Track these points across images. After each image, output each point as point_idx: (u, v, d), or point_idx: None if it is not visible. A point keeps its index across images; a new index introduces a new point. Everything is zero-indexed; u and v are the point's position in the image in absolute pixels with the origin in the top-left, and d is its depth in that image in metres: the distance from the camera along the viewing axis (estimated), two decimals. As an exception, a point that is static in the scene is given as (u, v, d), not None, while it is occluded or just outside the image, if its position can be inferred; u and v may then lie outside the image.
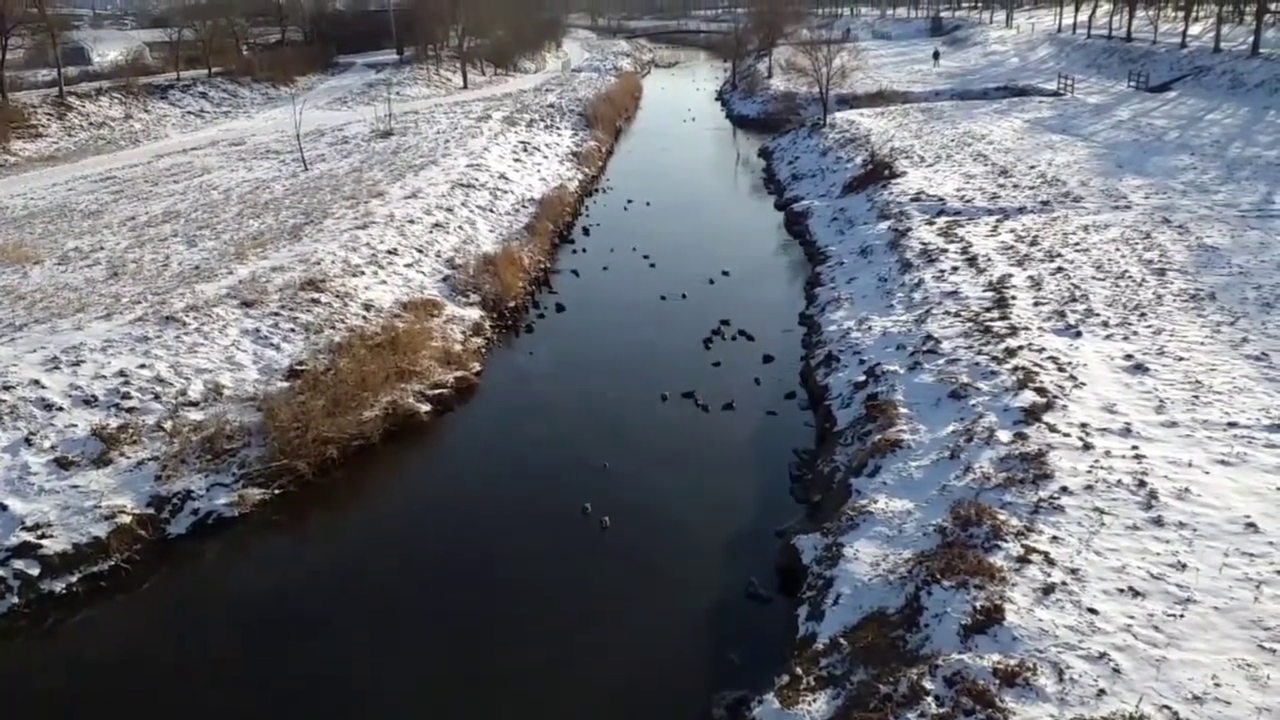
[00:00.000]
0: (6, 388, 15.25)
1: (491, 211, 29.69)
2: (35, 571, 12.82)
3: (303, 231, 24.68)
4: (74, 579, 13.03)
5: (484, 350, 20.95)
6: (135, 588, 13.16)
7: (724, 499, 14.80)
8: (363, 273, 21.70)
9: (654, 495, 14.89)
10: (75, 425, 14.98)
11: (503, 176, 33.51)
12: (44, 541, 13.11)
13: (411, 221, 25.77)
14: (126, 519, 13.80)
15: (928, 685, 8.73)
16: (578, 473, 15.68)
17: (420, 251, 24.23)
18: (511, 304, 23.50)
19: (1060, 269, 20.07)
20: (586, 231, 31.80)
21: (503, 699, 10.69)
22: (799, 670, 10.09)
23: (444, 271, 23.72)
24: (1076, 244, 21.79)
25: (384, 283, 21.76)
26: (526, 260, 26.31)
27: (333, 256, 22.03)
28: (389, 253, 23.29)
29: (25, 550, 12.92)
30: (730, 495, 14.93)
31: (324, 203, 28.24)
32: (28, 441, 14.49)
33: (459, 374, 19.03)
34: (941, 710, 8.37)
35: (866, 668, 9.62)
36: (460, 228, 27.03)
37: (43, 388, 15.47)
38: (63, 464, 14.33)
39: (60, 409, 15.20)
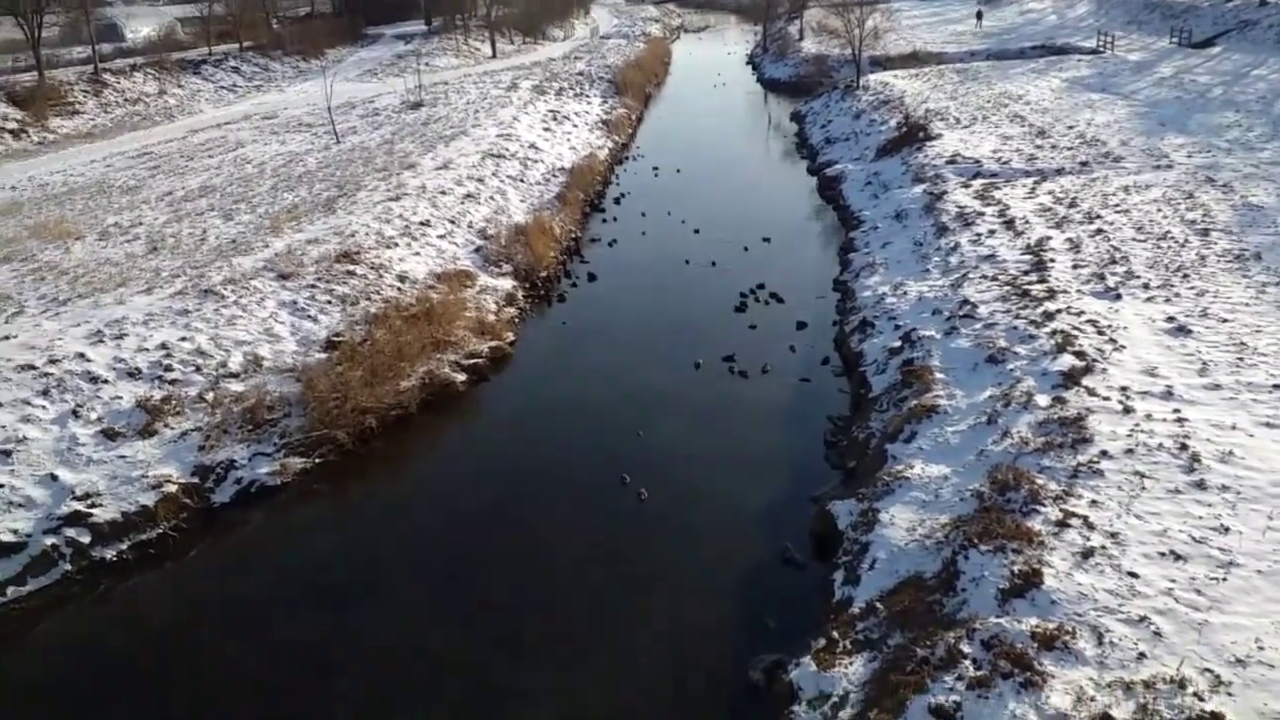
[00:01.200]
0: (53, 361, 15.58)
1: (522, 181, 29.68)
2: (87, 539, 13.17)
3: (336, 204, 24.85)
4: (124, 546, 13.37)
5: (517, 320, 21.04)
6: (183, 555, 13.48)
7: (758, 466, 14.82)
8: (396, 244, 21.83)
9: (688, 463, 14.95)
10: (120, 397, 15.29)
11: (533, 146, 33.43)
12: (94, 510, 13.44)
13: (443, 193, 25.83)
14: (173, 488, 14.11)
15: (965, 649, 8.74)
16: (612, 441, 15.77)
17: (452, 222, 24.31)
18: (543, 274, 23.53)
19: (1100, 231, 19.72)
20: (617, 200, 31.69)
21: (543, 664, 10.85)
22: (835, 634, 10.15)
23: (476, 242, 23.80)
24: (1116, 205, 21.39)
25: (417, 254, 21.88)
26: (558, 230, 26.30)
27: (366, 228, 22.17)
28: (422, 224, 23.39)
29: (76, 519, 13.26)
30: (765, 462, 14.95)
31: (356, 175, 28.39)
32: (75, 414, 14.82)
33: (493, 344, 19.15)
34: (979, 673, 8.39)
35: (903, 631, 9.65)
36: (491, 198, 27.06)
37: (88, 361, 15.79)
38: (109, 435, 14.65)
39: (105, 381, 15.51)
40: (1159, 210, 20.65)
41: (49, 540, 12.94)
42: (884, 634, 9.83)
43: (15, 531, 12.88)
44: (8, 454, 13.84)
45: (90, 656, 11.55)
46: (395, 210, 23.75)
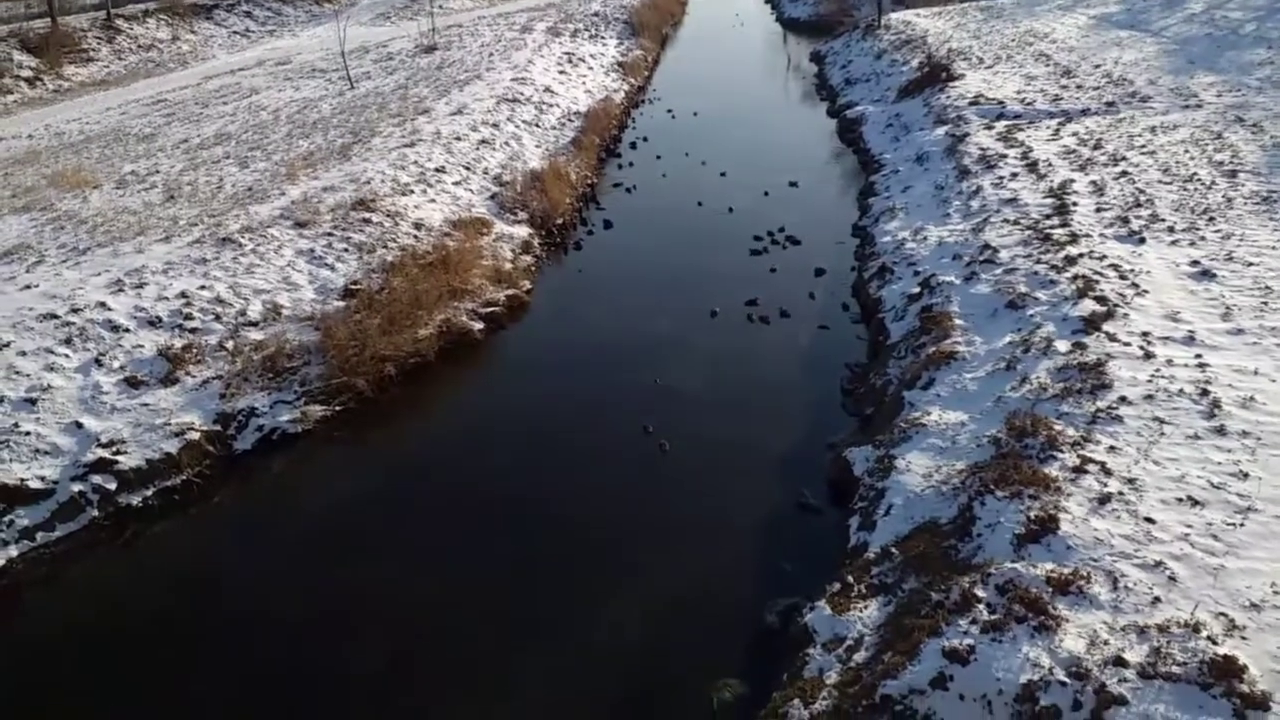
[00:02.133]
0: (75, 310, 15.71)
1: (537, 126, 29.38)
2: (113, 486, 13.40)
3: (351, 151, 24.72)
4: (149, 493, 13.59)
5: (533, 268, 20.99)
6: (206, 501, 13.71)
7: (775, 413, 14.84)
8: (412, 191, 21.74)
9: (705, 410, 15.00)
10: (142, 346, 15.43)
11: (548, 90, 33.02)
12: (119, 458, 13.66)
13: (458, 138, 25.63)
14: (195, 435, 14.30)
15: (979, 593, 8.80)
16: (630, 388, 15.81)
17: (468, 169, 24.16)
18: (559, 221, 23.40)
19: (1125, 173, 19.37)
20: (634, 145, 31.35)
21: (562, 607, 11.02)
22: (850, 578, 10.24)
23: (492, 189, 23.66)
24: (1142, 146, 20.96)
25: (433, 201, 21.80)
26: (573, 176, 26.09)
27: (382, 175, 22.08)
28: (437, 171, 23.26)
29: (102, 466, 13.49)
30: (781, 409, 14.97)
31: (371, 121, 28.18)
32: (98, 362, 14.99)
33: (510, 292, 19.14)
34: (993, 617, 8.45)
35: (918, 576, 9.73)
36: (506, 144, 26.83)
37: (109, 310, 15.92)
38: (132, 383, 14.82)
39: (127, 330, 15.65)
40: (1186, 151, 20.23)
41: (76, 487, 13.18)
42: (899, 579, 9.91)
43: (43, 478, 13.13)
44: (33, 402, 14.05)
45: (119, 600, 11.82)
46: (410, 157, 23.61)
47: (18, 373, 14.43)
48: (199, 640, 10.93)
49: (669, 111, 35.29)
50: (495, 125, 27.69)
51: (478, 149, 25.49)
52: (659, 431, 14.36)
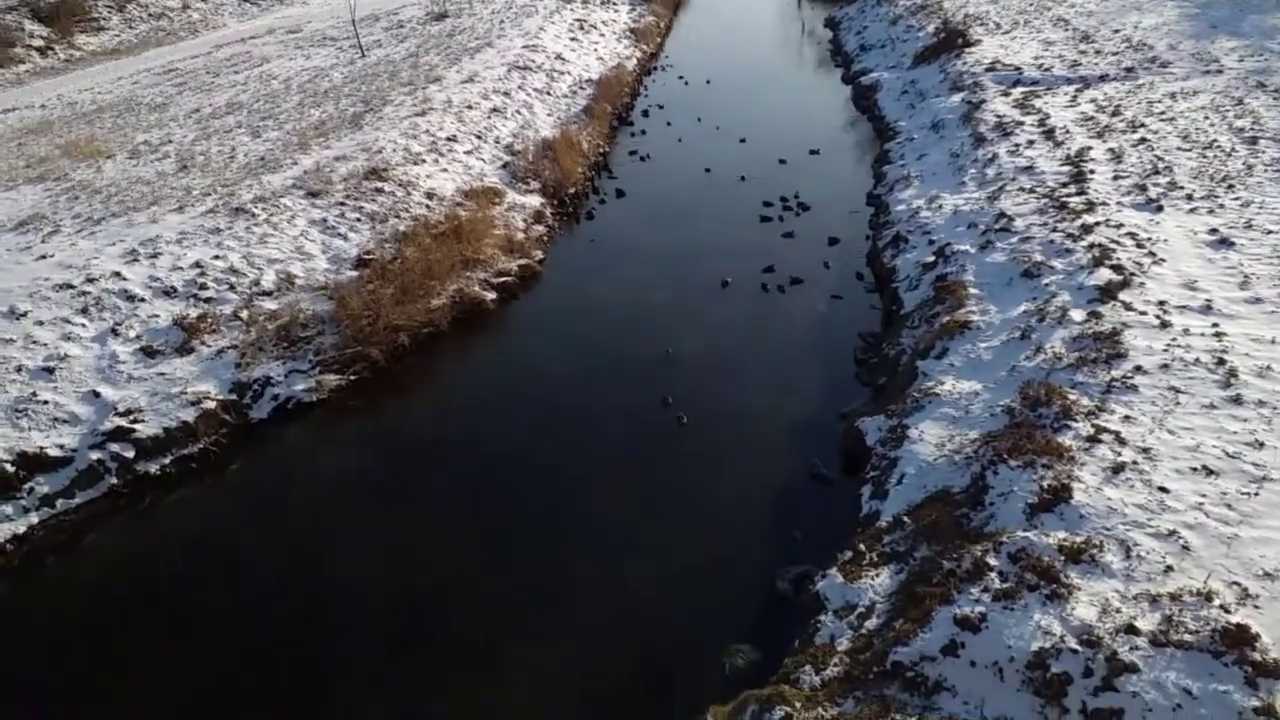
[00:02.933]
0: (90, 280, 15.80)
1: (549, 94, 29.19)
2: (130, 454, 13.54)
3: (363, 120, 24.64)
4: (166, 461, 13.74)
5: (546, 238, 20.95)
6: (223, 469, 13.86)
7: (788, 383, 14.83)
8: (424, 161, 21.68)
9: (718, 380, 15.00)
10: (157, 315, 15.52)
11: (559, 57, 32.76)
12: (136, 426, 13.79)
13: (470, 107, 25.50)
14: (211, 404, 14.41)
15: (991, 561, 8.83)
16: (643, 359, 15.81)
17: (479, 138, 24.06)
18: (571, 190, 23.31)
19: (1143, 140, 19.12)
20: (646, 113, 31.12)
21: (576, 573, 11.13)
22: (862, 546, 10.29)
23: (503, 158, 23.57)
24: (1162, 113, 20.67)
25: (445, 170, 21.74)
26: (585, 145, 25.94)
27: (394, 145, 22.01)
28: (449, 140, 23.17)
29: (120, 434, 13.63)
30: (794, 379, 14.95)
31: (382, 90, 28.06)
32: (114, 331, 15.09)
33: (522, 262, 19.12)
34: (1005, 585, 8.49)
35: (930, 545, 9.76)
36: (518, 112, 26.68)
37: (124, 280, 16.00)
38: (148, 352, 14.93)
39: (142, 300, 15.74)
40: (1206, 118, 19.94)
41: (94, 455, 13.34)
42: (910, 547, 9.94)
43: (62, 446, 13.28)
44: (51, 371, 14.17)
45: (138, 565, 12.01)
46: (422, 126, 23.52)
47: (35, 342, 14.56)
48: (216, 604, 11.10)
49: (681, 79, 35.00)
50: (507, 93, 27.53)
51: (489, 117, 25.36)
52: (672, 401, 14.37)
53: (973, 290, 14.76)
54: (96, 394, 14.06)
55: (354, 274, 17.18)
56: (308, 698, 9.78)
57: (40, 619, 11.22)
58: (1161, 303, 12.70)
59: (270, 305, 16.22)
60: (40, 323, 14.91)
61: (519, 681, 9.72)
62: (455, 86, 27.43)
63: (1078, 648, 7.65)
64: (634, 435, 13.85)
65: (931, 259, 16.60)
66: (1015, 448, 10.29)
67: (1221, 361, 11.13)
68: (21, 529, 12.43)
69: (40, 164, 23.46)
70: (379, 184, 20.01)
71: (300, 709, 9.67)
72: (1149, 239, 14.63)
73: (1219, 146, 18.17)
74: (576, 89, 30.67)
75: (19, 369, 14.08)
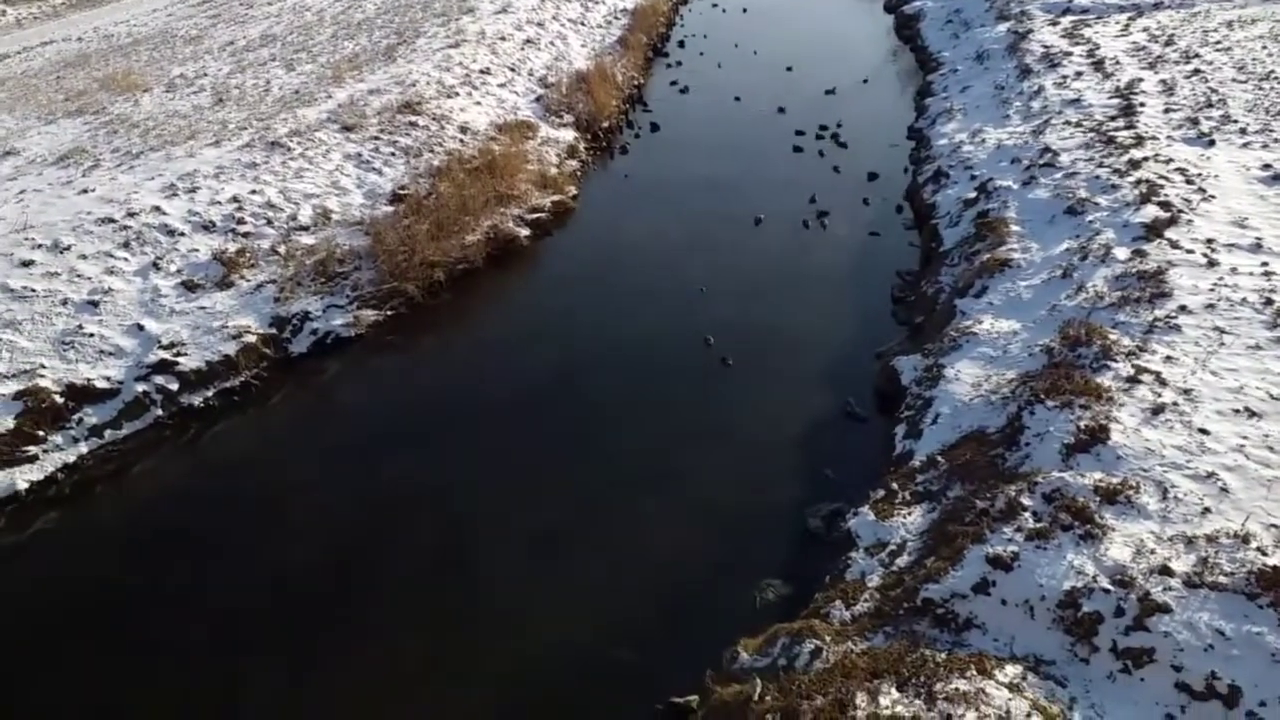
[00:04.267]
0: (131, 214, 15.96)
1: (583, 25, 28.70)
2: (175, 387, 13.81)
3: (396, 52, 24.42)
4: (209, 394, 13.99)
5: (579, 173, 20.78)
6: (264, 402, 14.10)
7: (822, 321, 14.74)
8: (457, 94, 21.48)
9: (752, 318, 14.93)
10: (197, 250, 15.68)
11: (595, -14, 32.11)
12: (180, 359, 14.03)
13: (503, 38, 25.15)
14: (252, 338, 14.61)
15: (1025, 501, 8.81)
16: (677, 296, 15.76)
17: (512, 70, 23.77)
18: (605, 124, 23.04)
19: (1197, 71, 18.48)
20: (682, 44, 30.54)
21: (610, 511, 11.26)
22: (894, 485, 10.30)
23: (537, 91, 23.29)
24: (1217, 43, 19.92)
25: (478, 104, 21.55)
26: (620, 77, 25.54)
27: (427, 78, 21.82)
28: (482, 72, 22.92)
29: (164, 367, 13.89)
30: (829, 317, 14.86)
31: (415, 21, 27.74)
32: (155, 266, 15.28)
33: (556, 198, 19.01)
34: (1038, 525, 8.48)
35: (963, 484, 9.75)
36: (552, 43, 26.29)
37: (164, 214, 16.14)
38: (189, 287, 15.12)
39: (182, 234, 15.89)
40: (1264, 48, 19.20)
41: (140, 387, 13.61)
42: (944, 486, 9.94)
43: (108, 379, 13.56)
44: (96, 305, 14.42)
45: (184, 495, 12.32)
46: (455, 58, 23.26)
47: (79, 275, 14.79)
48: (258, 533, 11.39)
49: (720, 7, 34.20)
50: (540, 24, 27.10)
51: (523, 49, 25.02)
52: (714, 342, 14.34)
53: (1014, 227, 14.49)
54: (140, 327, 14.30)
55: (389, 209, 17.20)
56: (346, 621, 10.05)
57: (91, 544, 11.59)
58: (1209, 241, 12.40)
59: (307, 240, 16.31)
60: (84, 256, 15.13)
61: (549, 612, 9.90)
62: (489, 17, 27.03)
63: (1110, 588, 7.65)
64: (666, 371, 13.87)
65: (973, 195, 16.28)
66: (1053, 388, 10.19)
67: (1269, 301, 10.89)
68: (71, 458, 12.78)
69: (78, 97, 23.57)
70: (413, 118, 19.89)
71: (338, 632, 9.95)
72: (1199, 174, 14.23)
73: (1276, 78, 17.51)
74: (611, 19, 30.12)
75: (65, 302, 14.34)
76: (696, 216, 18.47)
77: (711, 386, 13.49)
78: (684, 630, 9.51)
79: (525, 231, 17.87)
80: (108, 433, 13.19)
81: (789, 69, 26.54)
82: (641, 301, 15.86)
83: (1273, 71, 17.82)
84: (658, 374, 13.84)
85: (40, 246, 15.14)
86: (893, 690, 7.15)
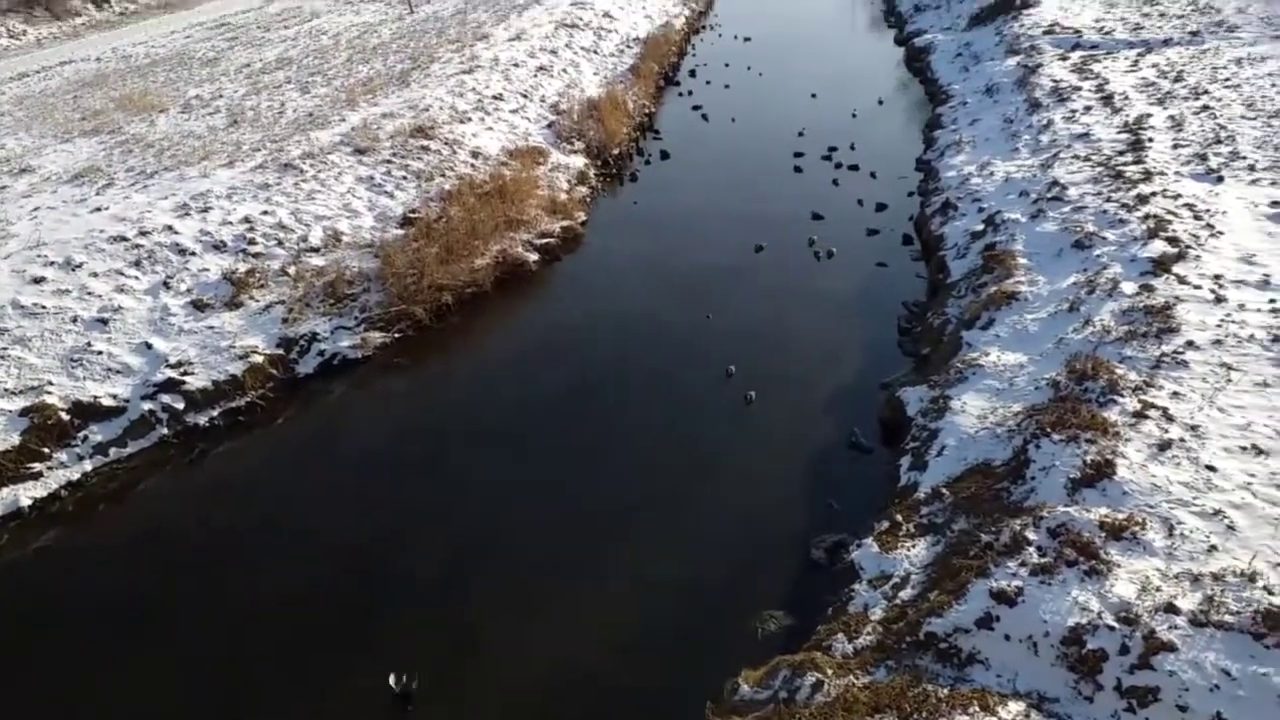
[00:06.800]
0: (143, 233, 16.10)
1: (595, 53, 28.97)
2: (181, 406, 13.87)
3: (410, 77, 24.68)
4: (215, 413, 14.05)
5: (589, 199, 20.90)
6: (270, 423, 14.13)
7: (828, 351, 14.72)
8: (470, 119, 21.67)
9: (757, 345, 14.93)
10: (207, 269, 15.79)
11: (607, 15, 32.46)
12: (187, 378, 14.10)
13: (516, 65, 25.41)
14: (259, 359, 14.68)
15: (1030, 536, 8.75)
16: (684, 324, 15.78)
17: (525, 97, 23.98)
18: (615, 151, 23.19)
19: (1206, 107, 18.52)
20: (693, 73, 30.79)
21: (615, 537, 11.21)
22: (899, 517, 10.24)
23: (548, 117, 23.48)
24: (1227, 79, 19.98)
25: (490, 129, 21.73)
26: (631, 105, 25.75)
27: (440, 103, 22.03)
28: (494, 98, 23.13)
29: (171, 386, 13.95)
30: (835, 347, 14.84)
31: (430, 47, 28.05)
32: (166, 285, 15.39)
33: (565, 223, 19.11)
34: (1043, 560, 8.41)
35: (968, 517, 9.69)
36: (564, 71, 26.53)
37: (176, 233, 16.28)
38: (199, 306, 15.22)
39: (193, 254, 16.01)
40: (1274, 85, 19.24)
41: (146, 405, 13.68)
42: (948, 519, 9.88)
43: (115, 396, 13.63)
44: (105, 322, 14.52)
45: (187, 514, 12.33)
46: (468, 83, 23.49)
47: (90, 293, 14.90)
48: (262, 552, 11.38)
49: (741, 37, 34.52)
50: (553, 52, 27.37)
51: (535, 76, 25.26)
52: (729, 370, 14.34)
53: (1022, 260, 14.49)
54: (149, 346, 14.38)
55: (399, 232, 17.31)
56: (349, 641, 10.01)
57: (92, 562, 11.59)
58: (1217, 276, 12.37)
59: (317, 262, 16.41)
60: (95, 274, 15.25)
61: (550, 639, 9.85)
62: (502, 44, 27.33)
63: (1115, 625, 7.57)
64: (671, 399, 13.86)
65: (980, 227, 16.30)
66: (1059, 421, 10.14)
67: (1277, 339, 10.84)
68: (76, 476, 12.82)
69: (95, 117, 23.85)
70: (425, 142, 20.07)
71: (342, 651, 9.91)
72: (1207, 210, 14.22)
73: (1286, 115, 17.54)
74: (624, 47, 30.41)
75: (74, 319, 14.43)
76: (704, 244, 18.53)
77: (715, 416, 13.46)
78: (685, 660, 9.43)
79: (534, 256, 17.96)
80: (112, 451, 13.23)
81: (814, 95, 26.75)
82: (648, 328, 15.87)
83: (1282, 109, 17.85)
84: (662, 401, 13.82)
85: (52, 264, 15.28)
86: (894, 725, 7.07)
